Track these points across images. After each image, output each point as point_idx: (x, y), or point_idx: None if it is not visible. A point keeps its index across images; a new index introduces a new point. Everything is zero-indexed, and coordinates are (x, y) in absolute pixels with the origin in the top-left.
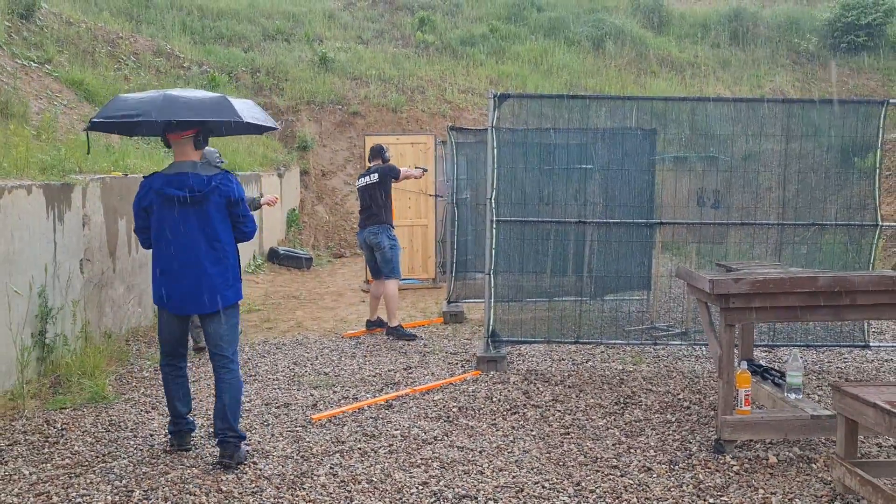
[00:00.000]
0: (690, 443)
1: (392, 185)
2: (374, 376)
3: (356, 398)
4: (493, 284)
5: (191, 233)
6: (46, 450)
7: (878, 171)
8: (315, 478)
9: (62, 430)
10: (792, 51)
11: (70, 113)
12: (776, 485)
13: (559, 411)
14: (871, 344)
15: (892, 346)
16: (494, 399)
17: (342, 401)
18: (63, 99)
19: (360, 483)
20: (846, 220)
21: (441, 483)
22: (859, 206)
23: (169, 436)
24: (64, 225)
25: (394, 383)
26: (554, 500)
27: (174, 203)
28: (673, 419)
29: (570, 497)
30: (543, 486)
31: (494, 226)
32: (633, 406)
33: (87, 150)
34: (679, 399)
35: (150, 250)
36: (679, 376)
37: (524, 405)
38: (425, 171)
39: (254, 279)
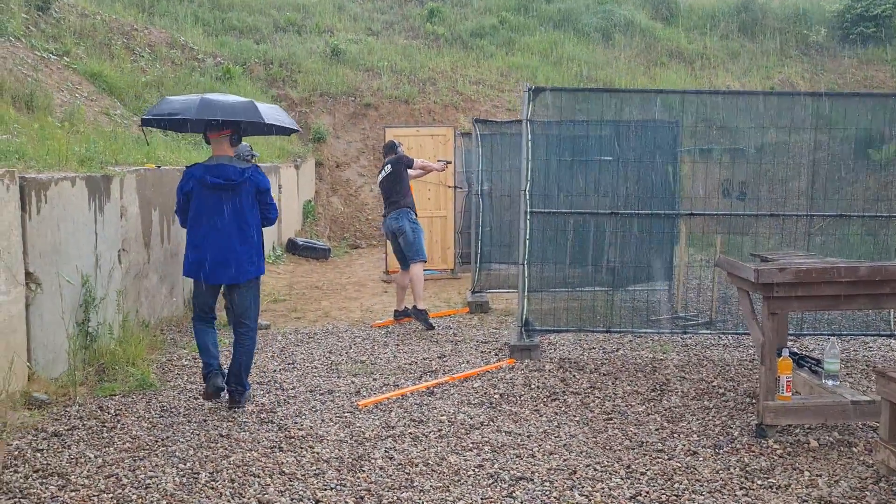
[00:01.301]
0: (731, 428)
1: (407, 173)
2: (411, 364)
3: (397, 385)
4: (526, 275)
5: (224, 215)
6: (105, 434)
7: None
8: (372, 461)
9: (116, 415)
10: (801, 42)
11: (91, 105)
12: (820, 467)
13: (598, 398)
14: (895, 333)
15: None
16: (533, 386)
17: (384, 388)
18: (83, 91)
19: (416, 466)
20: (873, 212)
21: (496, 466)
22: (886, 198)
23: (205, 382)
24: (104, 216)
25: (431, 371)
26: (606, 482)
27: (212, 189)
28: (710, 405)
29: (622, 479)
30: (595, 469)
31: (528, 217)
32: (670, 393)
33: (147, 142)
34: (713, 386)
35: (185, 231)
36: (710, 364)
37: (563, 392)
38: (448, 163)
39: (275, 270)
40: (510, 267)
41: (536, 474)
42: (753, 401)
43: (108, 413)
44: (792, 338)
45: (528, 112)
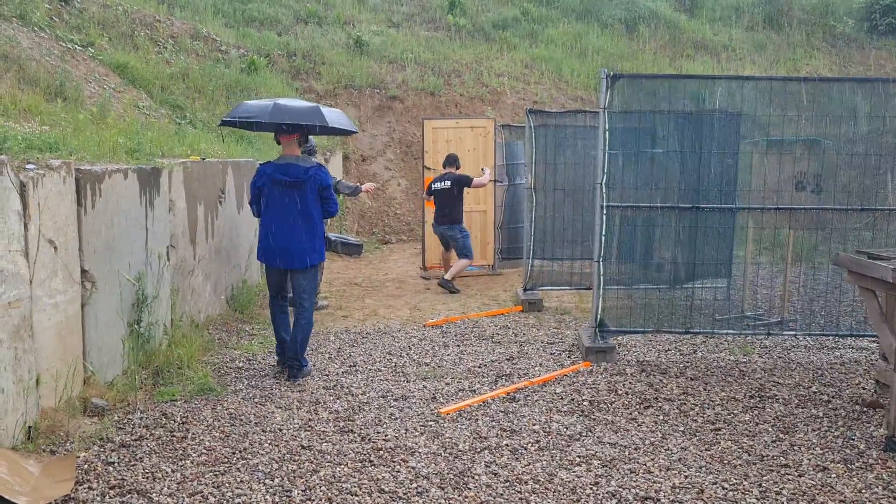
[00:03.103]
0: (853, 440)
1: (463, 190)
2: (481, 367)
3: (474, 390)
4: (601, 272)
5: (290, 208)
6: (177, 445)
7: None
8: (475, 476)
9: (184, 423)
10: (828, 33)
11: (119, 96)
12: None
13: (696, 405)
14: None
15: None
16: (620, 392)
17: (460, 393)
18: (111, 82)
19: (526, 483)
20: None
21: (612, 483)
22: None
23: (277, 357)
24: (154, 211)
25: (505, 375)
26: (741, 502)
27: (280, 185)
28: (820, 414)
29: (757, 499)
30: (723, 487)
31: (605, 212)
32: (771, 400)
33: (223, 139)
34: (814, 392)
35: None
36: (800, 368)
37: (655, 399)
38: (487, 171)
39: None
40: (563, 263)
41: (661, 493)
42: (865, 409)
43: (174, 421)
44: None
45: (607, 100)
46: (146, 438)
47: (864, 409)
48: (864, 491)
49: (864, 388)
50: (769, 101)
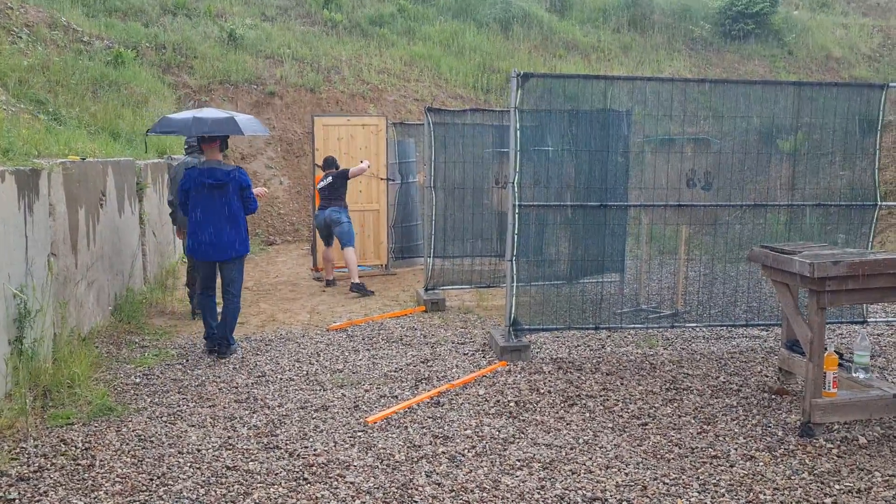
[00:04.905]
0: (771, 427)
1: (346, 182)
2: (397, 371)
3: (396, 397)
4: (515, 271)
5: (216, 207)
6: (84, 474)
7: (877, 152)
8: (420, 489)
9: (87, 449)
10: (687, 37)
11: None
12: (884, 466)
13: (618, 401)
14: (868, 320)
15: (886, 321)
16: (542, 391)
17: (382, 400)
18: None
19: (472, 492)
20: (848, 201)
21: (558, 485)
22: (860, 186)
23: (205, 341)
24: (34, 216)
25: (424, 378)
26: (686, 497)
27: (206, 187)
28: (734, 403)
29: (699, 493)
30: (665, 483)
31: (517, 210)
32: (685, 391)
33: (146, 149)
34: (723, 382)
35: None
36: (703, 359)
37: (577, 396)
38: (367, 164)
39: None
40: (462, 261)
41: (608, 493)
42: (773, 396)
43: (76, 447)
44: (763, 328)
45: (517, 99)
46: (47, 469)
47: (773, 396)
48: (792, 477)
49: (766, 376)
50: (670, 101)
